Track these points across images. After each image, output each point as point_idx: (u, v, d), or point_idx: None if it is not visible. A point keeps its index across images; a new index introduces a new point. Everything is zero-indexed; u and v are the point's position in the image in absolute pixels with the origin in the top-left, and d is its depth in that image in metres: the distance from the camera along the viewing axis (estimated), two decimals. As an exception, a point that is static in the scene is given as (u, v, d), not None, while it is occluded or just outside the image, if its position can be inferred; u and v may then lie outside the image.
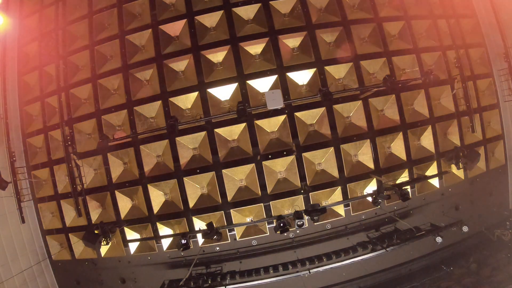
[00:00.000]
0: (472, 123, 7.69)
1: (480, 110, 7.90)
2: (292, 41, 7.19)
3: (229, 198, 7.12)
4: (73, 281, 7.79)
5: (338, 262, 7.00)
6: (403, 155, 7.46)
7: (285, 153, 7.07)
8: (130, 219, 7.30)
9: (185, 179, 7.10)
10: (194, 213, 7.17)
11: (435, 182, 7.74)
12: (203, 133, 7.03)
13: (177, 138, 7.03)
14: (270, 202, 7.14)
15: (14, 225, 7.34)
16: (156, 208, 7.22)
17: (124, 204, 7.32)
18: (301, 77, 7.18)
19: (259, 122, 7.05)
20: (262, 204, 7.15)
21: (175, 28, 7.12)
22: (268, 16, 7.08)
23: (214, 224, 6.72)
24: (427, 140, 7.59)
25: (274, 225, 6.85)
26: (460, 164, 7.35)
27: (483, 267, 7.40)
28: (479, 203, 8.07)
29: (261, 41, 7.06)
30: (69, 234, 7.57)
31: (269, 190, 7.12)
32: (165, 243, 7.34)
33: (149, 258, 7.42)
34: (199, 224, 7.15)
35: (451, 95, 7.61)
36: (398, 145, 7.46)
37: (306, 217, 6.82)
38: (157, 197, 7.24)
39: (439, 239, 6.78)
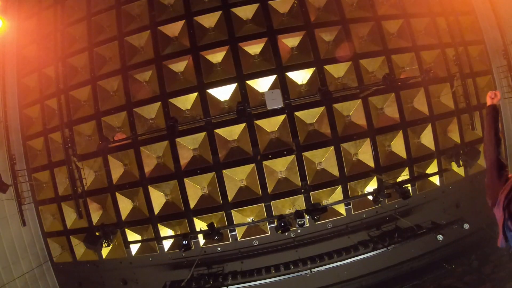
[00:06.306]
0: (472, 121, 7.67)
1: (479, 107, 7.87)
2: (291, 41, 7.17)
3: (229, 199, 7.11)
4: (75, 283, 7.79)
5: (339, 261, 7.00)
6: (403, 153, 7.44)
7: (285, 152, 7.06)
8: (131, 221, 7.29)
9: (185, 180, 7.08)
10: (195, 214, 7.17)
11: (435, 180, 7.74)
12: (203, 134, 7.01)
13: (177, 139, 7.01)
14: (271, 202, 7.13)
15: (15, 228, 7.33)
16: (157, 209, 7.20)
17: (125, 205, 7.31)
18: (300, 76, 7.17)
19: (259, 122, 7.03)
20: (263, 204, 7.13)
21: (174, 29, 7.11)
22: (266, 15, 7.06)
23: (215, 225, 6.73)
24: (427, 138, 7.58)
25: (275, 225, 6.86)
26: (461, 161, 7.35)
27: (484, 264, 7.40)
28: (479, 200, 8.04)
29: (260, 41, 7.04)
30: (70, 236, 7.56)
31: (269, 190, 7.11)
32: (166, 244, 7.34)
33: (150, 259, 7.42)
34: (200, 224, 7.15)
35: (450, 92, 7.60)
36: (398, 143, 7.44)
37: (307, 217, 6.83)
38: (158, 198, 7.23)
39: (440, 237, 6.78)
